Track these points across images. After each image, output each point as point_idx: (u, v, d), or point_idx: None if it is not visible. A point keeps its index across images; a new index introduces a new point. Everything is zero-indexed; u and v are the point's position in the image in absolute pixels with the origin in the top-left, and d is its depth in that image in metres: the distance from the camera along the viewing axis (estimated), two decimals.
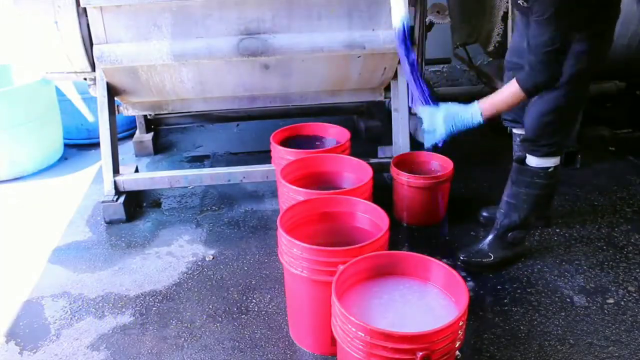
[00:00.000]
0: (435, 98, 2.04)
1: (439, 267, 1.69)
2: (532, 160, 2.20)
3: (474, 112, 1.88)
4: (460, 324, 1.47)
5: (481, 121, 1.89)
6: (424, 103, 2.03)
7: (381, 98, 3.12)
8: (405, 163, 2.78)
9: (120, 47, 2.65)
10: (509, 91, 1.87)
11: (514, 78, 1.88)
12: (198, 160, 3.62)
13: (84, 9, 2.57)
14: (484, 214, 2.72)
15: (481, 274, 2.34)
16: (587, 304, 2.15)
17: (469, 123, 1.89)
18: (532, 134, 2.16)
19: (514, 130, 2.49)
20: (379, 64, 2.85)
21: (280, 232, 1.83)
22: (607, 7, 1.95)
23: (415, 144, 3.46)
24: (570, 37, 1.82)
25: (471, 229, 2.68)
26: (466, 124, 1.89)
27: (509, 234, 2.34)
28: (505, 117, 2.46)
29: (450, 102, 1.96)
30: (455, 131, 1.91)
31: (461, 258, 2.37)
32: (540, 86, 1.86)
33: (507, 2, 3.03)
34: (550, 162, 2.19)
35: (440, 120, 1.90)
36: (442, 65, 4.54)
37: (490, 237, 2.39)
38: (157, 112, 3.25)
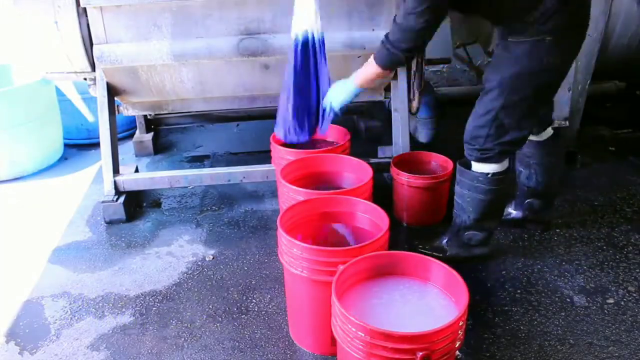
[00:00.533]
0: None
1: (439, 267, 1.69)
2: (472, 164, 2.19)
3: (349, 83, 2.25)
4: (460, 324, 1.47)
5: (357, 89, 2.25)
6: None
7: (381, 98, 3.12)
8: (405, 163, 2.78)
9: (120, 47, 2.65)
10: (371, 66, 2.16)
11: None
12: (198, 160, 3.62)
13: (84, 9, 2.58)
14: None
15: (481, 275, 2.34)
16: (587, 304, 2.15)
17: (350, 92, 2.27)
18: (467, 137, 2.16)
19: None
20: None
21: (280, 232, 1.83)
22: (551, 16, 1.88)
23: (415, 144, 3.47)
24: (429, 30, 1.96)
25: None
26: (348, 92, 2.27)
27: (465, 234, 2.33)
28: None
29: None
30: (345, 100, 2.29)
31: (420, 250, 2.38)
32: (387, 64, 2.11)
33: None
34: (488, 168, 2.15)
35: (331, 95, 2.31)
36: (442, 65, 4.53)
37: (447, 234, 2.41)
38: (157, 112, 3.25)
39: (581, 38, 2.05)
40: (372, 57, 2.14)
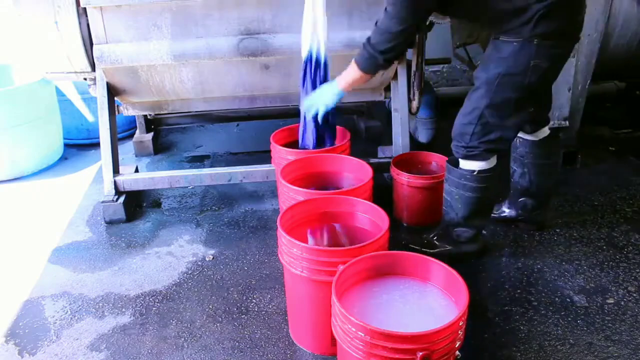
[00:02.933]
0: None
1: (439, 267, 1.69)
2: (459, 161, 2.20)
3: (333, 86, 2.33)
4: (460, 324, 1.47)
5: (341, 93, 2.33)
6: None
7: (381, 98, 3.12)
8: (405, 163, 2.78)
9: (120, 47, 2.65)
10: (352, 69, 2.22)
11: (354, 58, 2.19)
12: (198, 160, 3.62)
13: (84, 9, 2.58)
14: None
15: (481, 275, 2.34)
16: (587, 304, 2.15)
17: (334, 95, 2.34)
18: (454, 133, 2.16)
19: None
20: None
21: (280, 232, 1.83)
22: (542, 19, 1.86)
23: (415, 144, 3.47)
24: (408, 34, 2.04)
25: None
26: (332, 97, 2.35)
27: (454, 230, 2.33)
28: None
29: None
30: (330, 103, 2.38)
31: (410, 247, 2.38)
32: (371, 69, 2.18)
33: None
34: (474, 165, 2.14)
35: (314, 100, 2.39)
36: (442, 65, 4.53)
37: (437, 230, 2.41)
38: (157, 112, 3.25)
39: (572, 46, 2.06)
40: (353, 60, 2.20)
